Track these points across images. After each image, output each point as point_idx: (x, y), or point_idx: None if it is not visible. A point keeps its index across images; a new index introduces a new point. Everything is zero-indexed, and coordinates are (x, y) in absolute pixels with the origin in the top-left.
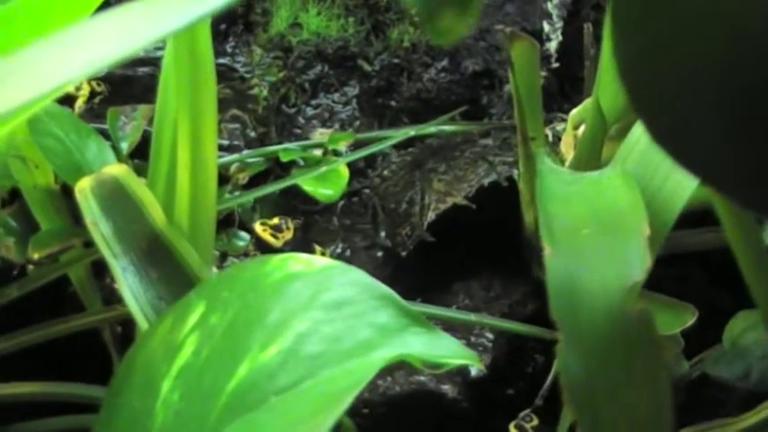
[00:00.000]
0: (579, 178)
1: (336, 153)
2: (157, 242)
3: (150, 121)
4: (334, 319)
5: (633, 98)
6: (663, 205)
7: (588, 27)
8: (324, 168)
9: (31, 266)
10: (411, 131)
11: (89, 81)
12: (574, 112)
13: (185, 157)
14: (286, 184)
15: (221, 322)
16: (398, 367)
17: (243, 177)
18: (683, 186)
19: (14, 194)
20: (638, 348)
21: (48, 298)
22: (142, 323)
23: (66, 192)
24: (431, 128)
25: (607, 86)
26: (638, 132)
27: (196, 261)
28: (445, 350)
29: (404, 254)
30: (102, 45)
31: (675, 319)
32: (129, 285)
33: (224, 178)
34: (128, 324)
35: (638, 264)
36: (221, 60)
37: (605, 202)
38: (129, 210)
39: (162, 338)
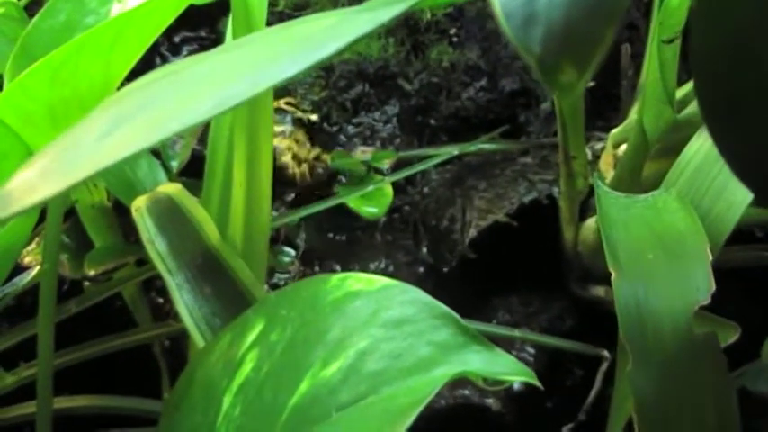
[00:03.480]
0: (635, 202)
1: (378, 171)
2: (211, 259)
3: (199, 140)
4: (394, 336)
5: (717, 141)
6: (712, 227)
7: (626, 48)
8: (371, 188)
9: (86, 283)
10: (454, 151)
11: None
12: (614, 131)
13: (241, 177)
14: (334, 202)
15: (281, 339)
16: None
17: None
18: (731, 210)
19: (68, 212)
20: (706, 368)
21: (98, 313)
22: (197, 339)
23: (118, 209)
24: (472, 148)
25: (650, 108)
26: (688, 156)
27: (249, 278)
28: (504, 367)
29: (445, 269)
30: (236, 83)
31: (719, 336)
32: (185, 301)
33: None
34: (178, 339)
35: (704, 287)
36: None
37: (665, 226)
38: (183, 227)
39: (221, 354)
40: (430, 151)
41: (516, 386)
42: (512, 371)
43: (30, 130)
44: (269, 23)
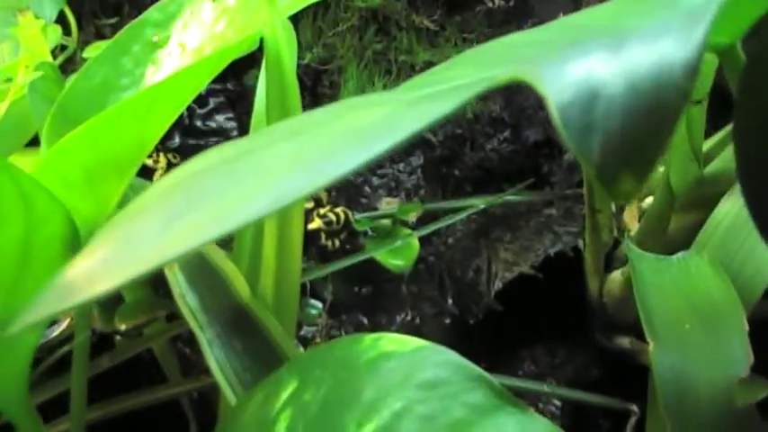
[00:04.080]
0: (668, 265)
1: (404, 223)
2: (242, 314)
3: None
4: (429, 398)
5: (751, 204)
6: (743, 289)
7: None
8: (399, 242)
9: (117, 337)
10: (480, 204)
11: (165, 153)
12: None
13: (272, 233)
14: (362, 257)
15: (315, 399)
16: None
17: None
18: (761, 272)
19: None
20: None
21: (127, 366)
22: (228, 394)
23: None
24: (497, 200)
25: (677, 164)
26: (718, 217)
27: (280, 333)
28: (538, 431)
29: (471, 321)
30: (294, 178)
31: (749, 393)
32: (216, 356)
33: None
34: (206, 393)
35: (742, 360)
36: None
37: (700, 295)
38: (214, 282)
39: (253, 413)
40: (455, 203)
41: None
42: None
43: (67, 193)
44: (297, 76)
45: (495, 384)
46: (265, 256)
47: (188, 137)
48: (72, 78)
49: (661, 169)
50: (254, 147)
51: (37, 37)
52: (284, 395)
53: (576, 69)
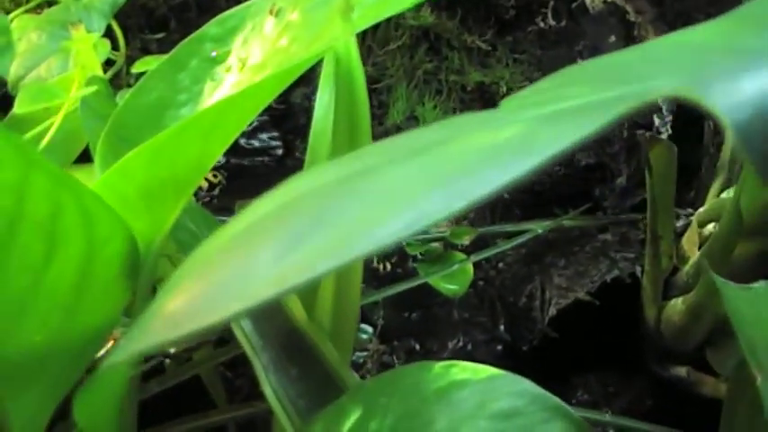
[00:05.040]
0: (757, 296)
1: (454, 247)
2: (297, 339)
3: None
4: (504, 429)
5: None
6: None
7: (710, 125)
8: (455, 267)
9: (167, 361)
10: (537, 229)
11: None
12: (701, 210)
13: None
14: (416, 282)
15: (382, 428)
16: None
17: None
18: None
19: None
20: None
21: (174, 392)
22: (284, 422)
23: None
24: (551, 224)
25: (748, 189)
26: None
27: (336, 360)
28: None
29: (524, 348)
30: (427, 200)
31: None
32: (271, 382)
33: None
34: (254, 421)
35: None
36: None
37: None
38: (269, 305)
39: None
40: (507, 227)
41: None
42: None
43: (125, 211)
44: None
45: (573, 416)
46: (324, 281)
47: (232, 156)
48: (126, 94)
49: (726, 195)
50: (369, 166)
51: (89, 51)
52: (347, 424)
53: (748, 86)
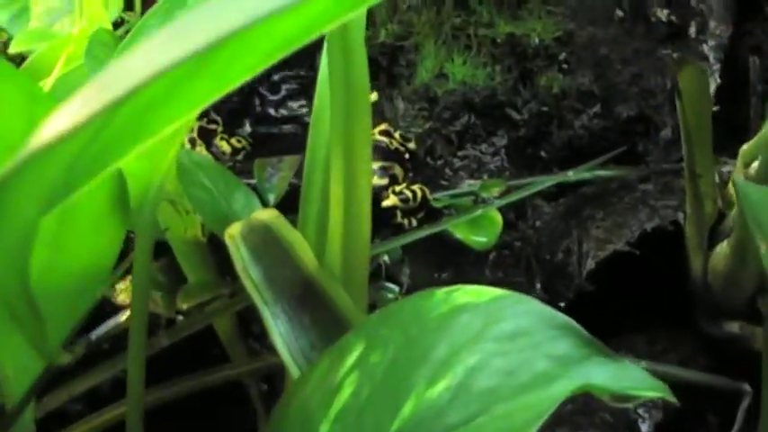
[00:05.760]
0: None
1: (485, 202)
2: (309, 287)
3: (296, 174)
4: (507, 351)
5: None
6: None
7: (755, 61)
8: (478, 212)
9: (179, 317)
10: (570, 174)
11: (238, 139)
12: (745, 147)
13: (338, 194)
14: (436, 229)
15: (383, 360)
16: (562, 423)
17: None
18: None
19: (163, 250)
20: None
21: (191, 348)
22: (294, 372)
23: (213, 245)
24: (587, 174)
25: None
26: None
27: (350, 306)
28: (633, 381)
29: (561, 305)
30: None
31: None
32: (281, 332)
33: None
34: (274, 373)
35: None
36: None
37: None
38: (279, 255)
39: (318, 383)
40: (542, 179)
41: (645, 429)
42: (642, 385)
43: None
44: (370, 57)
45: (582, 333)
46: (332, 221)
47: (260, 124)
48: (126, 39)
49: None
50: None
51: (98, 6)
52: (350, 360)
53: None
